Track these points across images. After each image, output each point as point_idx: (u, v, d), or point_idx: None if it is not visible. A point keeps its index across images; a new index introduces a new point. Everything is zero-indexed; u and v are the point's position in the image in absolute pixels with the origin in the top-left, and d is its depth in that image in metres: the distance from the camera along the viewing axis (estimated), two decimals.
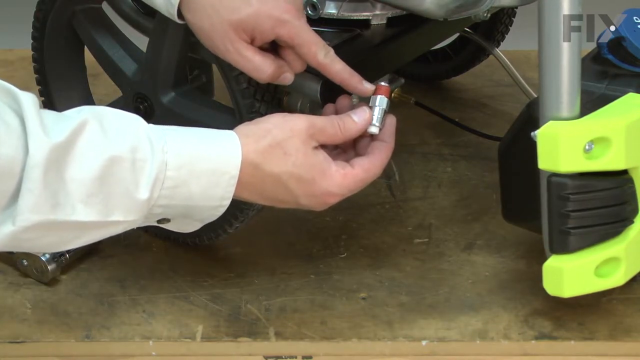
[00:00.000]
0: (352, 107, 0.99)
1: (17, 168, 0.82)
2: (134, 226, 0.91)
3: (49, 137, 0.83)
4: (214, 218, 0.94)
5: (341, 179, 0.94)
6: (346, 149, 0.99)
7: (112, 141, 0.86)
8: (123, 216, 0.88)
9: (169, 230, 1.12)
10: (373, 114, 0.97)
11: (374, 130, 0.97)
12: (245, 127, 0.93)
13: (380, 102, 0.98)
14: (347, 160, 0.96)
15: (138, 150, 0.87)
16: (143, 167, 0.87)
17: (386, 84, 0.99)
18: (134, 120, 0.89)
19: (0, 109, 0.83)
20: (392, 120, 0.99)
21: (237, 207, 1.05)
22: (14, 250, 0.88)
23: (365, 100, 0.99)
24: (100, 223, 0.87)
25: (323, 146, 0.95)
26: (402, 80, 1.24)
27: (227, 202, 0.92)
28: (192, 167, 0.89)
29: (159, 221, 0.93)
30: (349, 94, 1.09)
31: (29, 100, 0.84)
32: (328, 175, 0.94)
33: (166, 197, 0.89)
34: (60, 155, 0.84)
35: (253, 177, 0.92)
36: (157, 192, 0.88)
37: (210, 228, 1.08)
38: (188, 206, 0.91)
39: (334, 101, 1.04)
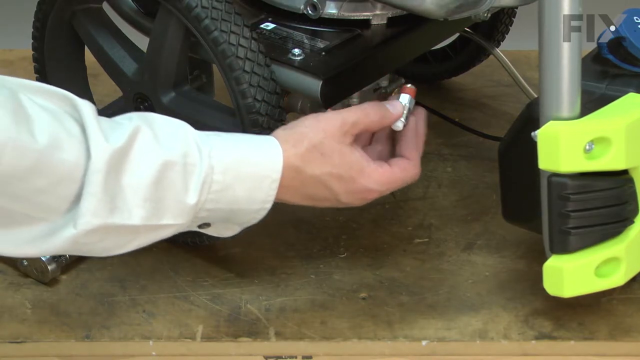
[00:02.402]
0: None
1: (79, 173, 0.85)
2: (181, 230, 0.92)
3: (109, 142, 0.85)
4: (255, 221, 0.96)
5: (379, 176, 0.97)
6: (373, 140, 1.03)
7: (164, 146, 0.89)
8: (173, 220, 0.90)
9: None
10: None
11: (400, 125, 1.00)
12: (282, 132, 0.96)
13: (407, 100, 1.01)
14: (380, 153, 1.01)
15: (188, 155, 0.89)
16: (192, 171, 0.90)
17: (413, 86, 1.02)
18: (182, 126, 0.92)
19: (60, 116, 0.85)
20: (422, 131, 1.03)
21: None
22: (79, 254, 0.89)
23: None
24: (153, 227, 0.90)
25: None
26: (402, 80, 1.24)
27: (269, 205, 0.95)
28: (238, 171, 0.92)
29: (199, 226, 0.95)
30: (350, 94, 1.10)
31: (88, 107, 0.87)
32: (366, 173, 0.97)
33: (212, 200, 0.91)
34: (118, 160, 0.86)
35: (295, 180, 0.95)
36: (205, 195, 0.90)
37: None
38: (232, 210, 0.93)
39: (335, 101, 1.05)
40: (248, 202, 0.93)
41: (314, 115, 0.98)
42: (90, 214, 0.85)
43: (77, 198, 0.85)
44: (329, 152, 0.95)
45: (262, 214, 0.95)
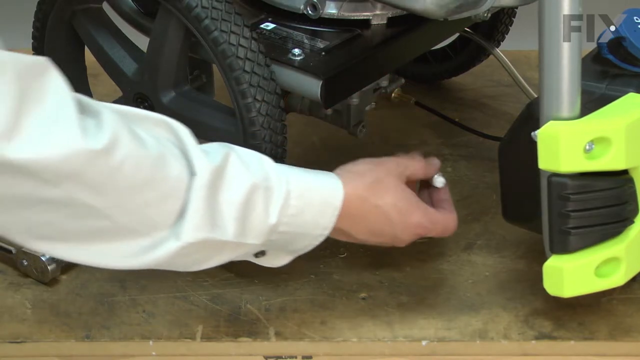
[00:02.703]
0: None
1: (182, 189, 0.90)
2: (253, 251, 0.98)
3: (209, 161, 0.91)
4: (310, 248, 1.01)
5: (430, 214, 1.04)
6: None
7: (250, 170, 0.95)
8: (253, 239, 0.95)
9: None
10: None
11: (442, 181, 1.08)
12: (344, 167, 1.03)
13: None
14: None
15: (269, 180, 0.95)
16: (272, 195, 0.95)
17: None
18: (258, 154, 0.98)
19: (162, 139, 0.91)
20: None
21: None
22: (166, 268, 0.95)
23: None
24: (237, 245, 0.95)
25: None
26: (402, 80, 1.24)
27: (327, 232, 0.99)
28: (309, 198, 0.97)
29: (255, 254, 1.00)
30: (350, 94, 1.10)
31: (185, 129, 0.93)
32: (421, 208, 1.03)
33: (286, 224, 0.96)
34: (217, 178, 0.92)
35: (360, 210, 1.00)
36: (281, 218, 0.96)
37: None
38: (298, 234, 0.98)
39: (335, 101, 1.06)
40: (313, 227, 0.98)
41: (371, 159, 1.04)
42: (193, 228, 0.90)
43: (180, 214, 0.90)
44: (393, 187, 1.01)
45: (319, 240, 1.00)
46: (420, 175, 1.07)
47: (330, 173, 1.01)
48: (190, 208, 0.90)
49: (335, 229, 0.99)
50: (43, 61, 0.83)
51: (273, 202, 0.95)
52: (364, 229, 1.01)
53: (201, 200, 0.90)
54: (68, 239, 0.88)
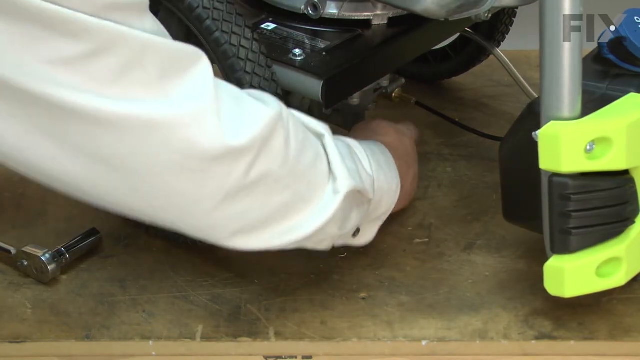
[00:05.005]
0: None
1: (321, 147, 0.95)
2: (362, 215, 1.01)
3: (320, 123, 0.97)
4: (389, 213, 1.08)
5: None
6: None
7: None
8: (369, 192, 1.00)
9: (168, 230, 1.12)
10: None
11: None
12: (356, 132, 1.13)
13: None
14: None
15: (347, 140, 1.02)
16: (360, 153, 1.01)
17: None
18: None
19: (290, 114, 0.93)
20: None
21: None
22: (319, 238, 0.98)
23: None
24: (366, 197, 1.00)
25: None
26: (403, 80, 1.24)
27: (399, 183, 1.07)
28: (375, 155, 1.04)
29: (353, 234, 1.05)
30: (351, 94, 1.10)
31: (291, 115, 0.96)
32: (406, 126, 1.19)
33: (377, 179, 1.02)
34: (331, 135, 0.97)
35: (397, 152, 1.09)
36: (373, 173, 1.01)
37: None
38: (384, 191, 1.04)
39: (336, 101, 1.06)
40: (389, 181, 1.05)
41: (360, 128, 1.14)
42: (345, 178, 0.94)
43: (329, 170, 0.94)
44: (392, 127, 1.14)
45: (396, 197, 1.07)
46: None
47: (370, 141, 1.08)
48: (333, 162, 0.94)
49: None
50: (197, 49, 0.85)
51: (363, 158, 1.00)
52: (407, 164, 1.11)
53: (337, 155, 0.94)
54: (258, 226, 0.92)
